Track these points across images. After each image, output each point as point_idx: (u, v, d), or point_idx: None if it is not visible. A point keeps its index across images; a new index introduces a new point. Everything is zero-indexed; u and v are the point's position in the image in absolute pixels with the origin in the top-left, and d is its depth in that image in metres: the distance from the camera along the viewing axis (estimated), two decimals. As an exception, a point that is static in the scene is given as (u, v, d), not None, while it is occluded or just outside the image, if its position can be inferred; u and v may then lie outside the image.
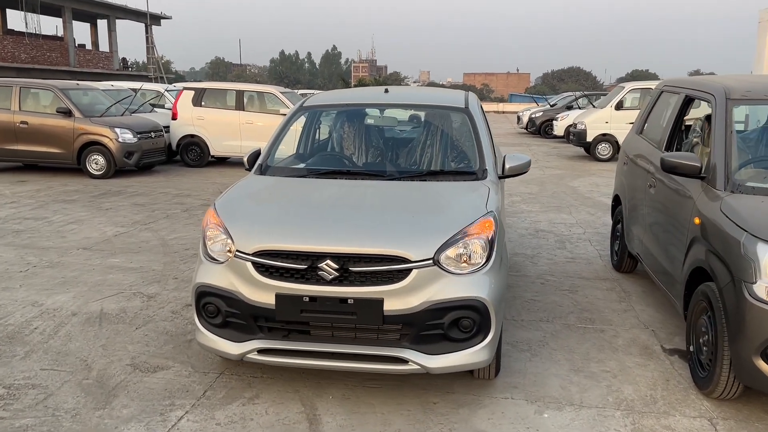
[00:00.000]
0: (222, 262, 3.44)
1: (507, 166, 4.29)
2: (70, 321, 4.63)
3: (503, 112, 47.19)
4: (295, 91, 21.44)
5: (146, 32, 45.07)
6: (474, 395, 3.58)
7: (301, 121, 4.95)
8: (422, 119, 5.03)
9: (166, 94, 16.19)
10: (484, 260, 3.35)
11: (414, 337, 3.25)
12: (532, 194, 10.71)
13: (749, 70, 18.08)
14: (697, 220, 3.81)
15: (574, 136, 16.13)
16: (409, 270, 3.20)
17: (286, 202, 3.86)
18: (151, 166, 12.88)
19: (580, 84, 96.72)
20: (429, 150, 4.39)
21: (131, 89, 15.51)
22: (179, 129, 13.50)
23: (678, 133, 4.96)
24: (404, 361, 3.25)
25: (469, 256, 3.32)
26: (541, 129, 23.32)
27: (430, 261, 3.22)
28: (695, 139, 4.74)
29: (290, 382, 3.69)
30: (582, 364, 4.02)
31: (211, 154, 13.56)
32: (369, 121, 4.76)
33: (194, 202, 9.53)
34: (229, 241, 3.42)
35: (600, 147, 15.58)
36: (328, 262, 3.20)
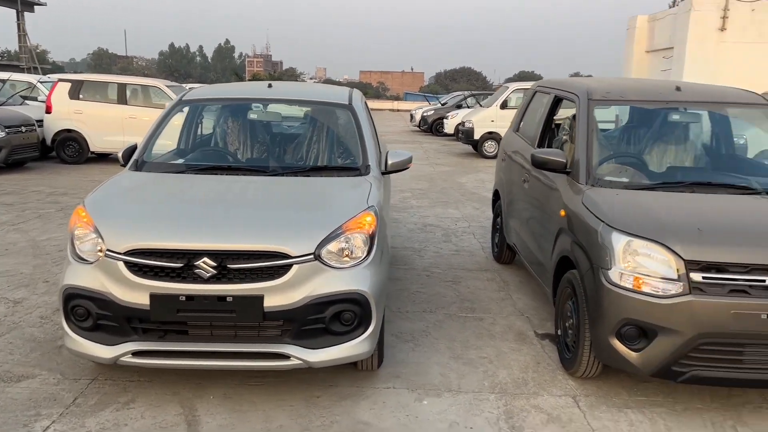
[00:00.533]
0: (92, 263, 3.28)
1: (389, 162, 4.38)
2: None
3: (398, 111, 47.97)
4: (184, 85, 20.66)
5: (17, 19, 41.74)
6: (357, 387, 3.64)
7: (183, 114, 4.80)
8: (306, 115, 5.03)
9: (39, 85, 15.10)
10: (365, 254, 3.40)
11: (295, 332, 3.25)
12: (422, 190, 10.98)
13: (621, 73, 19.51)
14: (562, 213, 4.08)
15: (463, 134, 16.70)
16: (290, 265, 3.20)
17: (161, 198, 3.74)
18: (22, 162, 11.97)
19: (471, 84, 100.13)
20: (312, 146, 4.40)
21: (-1, 80, 14.32)
22: (54, 123, 12.63)
23: (549, 131, 5.28)
24: (286, 357, 3.25)
25: (351, 251, 3.37)
26: (432, 127, 23.93)
27: (311, 256, 3.24)
28: (564, 137, 5.06)
29: (168, 384, 3.58)
30: (461, 351, 4.19)
31: (91, 150, 12.81)
32: (252, 116, 4.70)
33: (71, 201, 8.95)
34: (100, 240, 3.26)
35: (486, 144, 16.22)
36: (205, 259, 3.14)
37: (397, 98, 68.42)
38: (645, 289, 3.30)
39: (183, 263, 3.14)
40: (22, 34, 41.71)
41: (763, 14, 14.76)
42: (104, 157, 13.71)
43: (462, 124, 17.06)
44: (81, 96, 12.74)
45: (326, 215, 3.45)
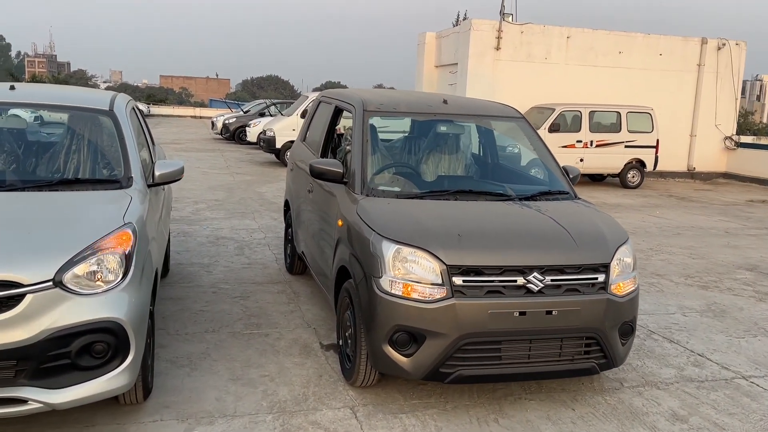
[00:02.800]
0: None
1: (157, 173, 4.05)
2: None
3: (201, 117, 46.10)
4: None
5: None
6: (118, 424, 3.27)
7: None
8: (60, 122, 4.48)
9: None
10: (119, 277, 3.07)
11: (33, 371, 2.82)
12: (218, 201, 10.55)
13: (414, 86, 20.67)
14: (340, 222, 4.08)
15: (265, 142, 16.45)
16: (22, 295, 2.77)
17: None
18: None
19: (279, 92, 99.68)
20: (63, 156, 3.90)
21: None
22: None
23: (331, 141, 5.30)
24: (23, 402, 2.81)
25: (103, 273, 3.01)
26: (235, 135, 23.30)
27: (50, 283, 2.83)
28: (348, 147, 5.11)
29: None
30: (242, 372, 4.00)
31: None
32: (-11, 122, 4.06)
33: None
34: None
35: (288, 153, 16.12)
36: None
37: (201, 105, 65.80)
38: (414, 295, 3.39)
39: None
40: None
41: (530, 36, 16.57)
42: None
43: (264, 132, 16.80)
44: None
45: (71, 235, 3.05)
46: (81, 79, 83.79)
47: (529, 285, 3.43)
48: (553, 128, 14.39)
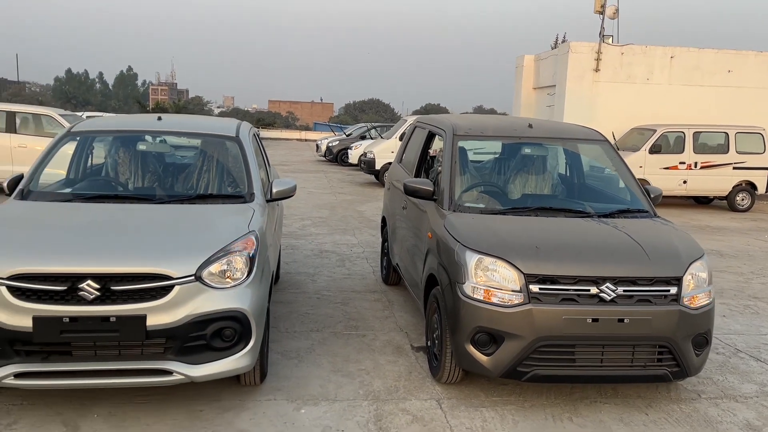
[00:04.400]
0: None
1: (274, 190, 4.71)
2: None
3: (306, 140, 48.25)
4: (80, 113, 20.09)
5: None
6: (239, 400, 3.89)
7: (73, 146, 4.94)
8: (195, 146, 5.29)
9: None
10: (245, 275, 3.70)
11: (178, 348, 3.48)
12: (322, 218, 11.33)
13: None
14: (429, 235, 4.56)
15: (365, 164, 17.27)
16: (172, 286, 3.44)
17: (44, 225, 3.88)
18: None
19: (380, 115, 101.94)
20: (199, 175, 4.67)
21: None
22: (-64, 152, 12.04)
23: (425, 162, 5.81)
24: (168, 373, 3.47)
25: (231, 272, 3.65)
26: (337, 157, 24.41)
27: (192, 277, 3.50)
28: (439, 167, 5.59)
29: (52, 405, 3.69)
30: (342, 365, 4.53)
31: (-24, 180, 12.27)
32: (141, 147, 4.91)
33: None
34: None
35: (386, 174, 16.82)
36: (89, 282, 3.32)
37: (306, 128, 68.76)
38: (494, 300, 3.79)
39: (66, 286, 3.31)
40: None
41: (630, 57, 16.41)
42: (-9, 187, 13.13)
43: (364, 154, 17.64)
44: (-35, 124, 12.22)
45: (208, 239, 3.72)
46: (197, 105, 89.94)
47: (602, 294, 3.74)
48: (654, 149, 14.16)
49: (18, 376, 3.34)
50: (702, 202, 15.56)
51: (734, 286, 7.42)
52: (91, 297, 3.33)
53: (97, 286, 3.33)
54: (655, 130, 14.48)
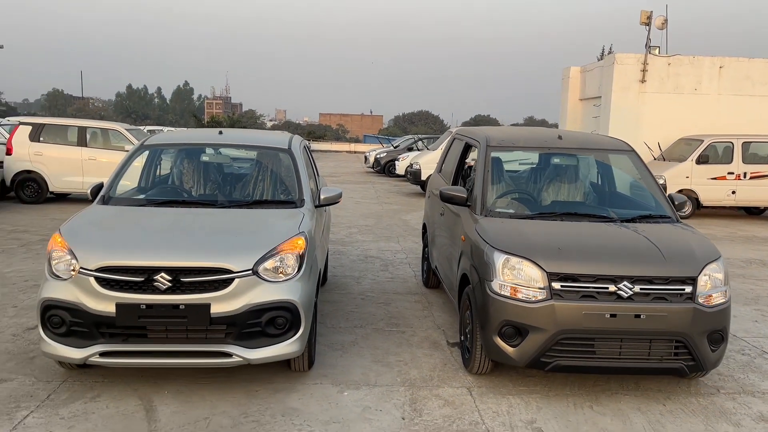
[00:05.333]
0: (66, 279, 3.96)
1: (322, 197, 5.21)
2: None
3: (355, 152, 49.11)
4: (142, 127, 21.25)
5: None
6: (290, 383, 4.37)
7: (144, 157, 5.56)
8: (251, 158, 5.86)
9: (-1, 128, 15.53)
10: (295, 271, 4.18)
11: (237, 334, 3.98)
12: (368, 226, 11.82)
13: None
14: (463, 238, 4.95)
15: (411, 175, 17.72)
16: (232, 279, 3.95)
17: (125, 226, 4.47)
18: (-19, 202, 12.36)
19: (429, 127, 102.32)
20: (255, 183, 5.21)
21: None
22: (14, 164, 13.12)
23: (462, 171, 6.21)
24: (229, 355, 3.97)
25: (284, 268, 4.14)
26: (385, 168, 24.98)
27: (250, 271, 4.00)
28: (474, 176, 5.99)
29: (129, 382, 4.25)
30: (382, 357, 4.96)
31: (50, 190, 13.30)
32: (204, 158, 5.49)
33: (32, 238, 9.47)
34: (74, 261, 3.95)
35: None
36: (163, 274, 3.86)
37: (356, 140, 69.85)
38: (519, 296, 4.16)
39: (144, 278, 3.86)
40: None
41: (677, 68, 16.37)
42: (63, 197, 14.18)
43: (411, 165, 18.10)
44: (41, 138, 13.27)
45: (263, 239, 4.23)
46: (251, 118, 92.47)
47: (619, 292, 4.05)
48: (702, 160, 14.10)
49: (103, 354, 3.90)
50: (753, 213, 15.35)
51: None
52: (164, 287, 3.86)
53: (169, 278, 3.86)
54: (702, 141, 14.41)
